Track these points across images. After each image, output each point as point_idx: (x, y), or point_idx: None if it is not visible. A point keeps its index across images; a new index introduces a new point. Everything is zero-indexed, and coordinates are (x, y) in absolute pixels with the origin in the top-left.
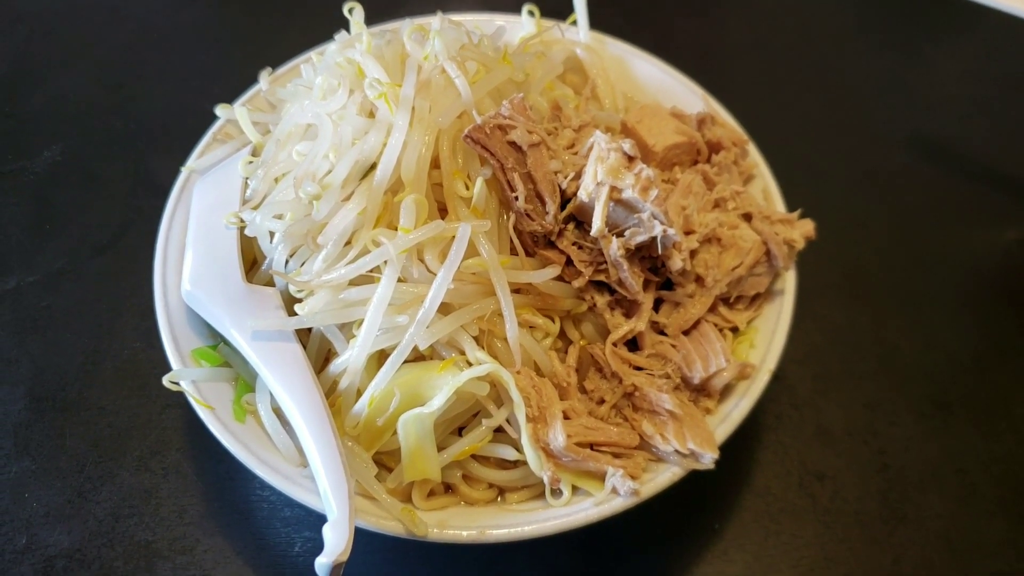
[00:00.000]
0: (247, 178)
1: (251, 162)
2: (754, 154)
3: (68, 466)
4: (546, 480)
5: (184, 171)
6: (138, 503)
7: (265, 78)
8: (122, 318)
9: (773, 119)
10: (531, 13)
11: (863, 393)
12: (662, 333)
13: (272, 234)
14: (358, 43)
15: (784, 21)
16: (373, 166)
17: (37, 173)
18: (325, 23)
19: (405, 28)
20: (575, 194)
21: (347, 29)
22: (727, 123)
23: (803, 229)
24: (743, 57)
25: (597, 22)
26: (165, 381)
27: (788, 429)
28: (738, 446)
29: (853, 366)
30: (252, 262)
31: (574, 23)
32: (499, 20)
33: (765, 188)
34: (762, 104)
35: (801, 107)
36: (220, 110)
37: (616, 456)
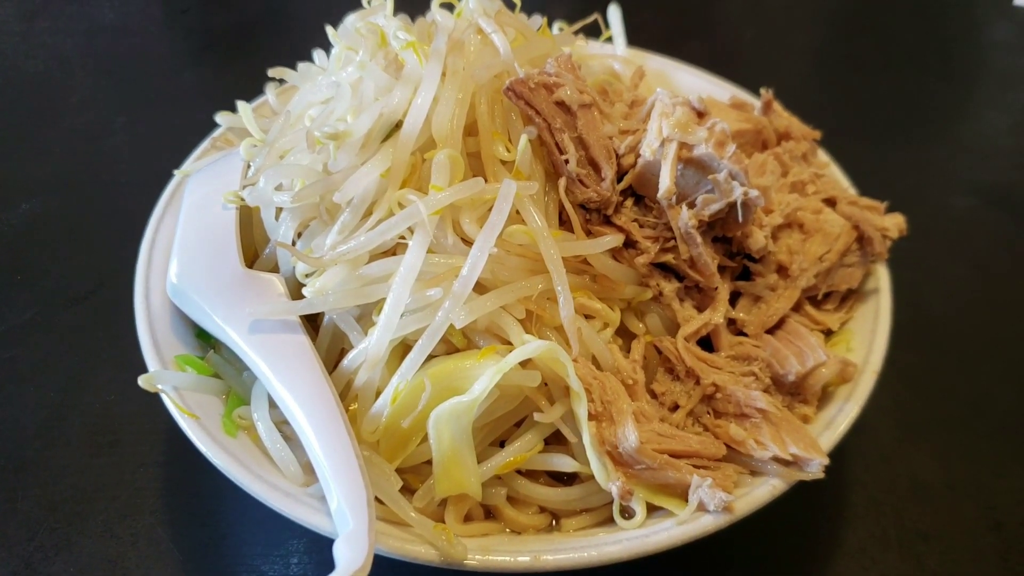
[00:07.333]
0: (249, 162)
1: (255, 145)
2: (823, 156)
3: (16, 533)
4: (615, 493)
5: (177, 175)
6: (100, 575)
7: (272, 91)
8: (95, 371)
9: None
10: (561, 30)
11: (958, 442)
12: (740, 334)
13: (278, 211)
14: (380, 9)
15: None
16: (398, 126)
17: (13, 225)
18: None
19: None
20: (632, 167)
21: None
22: (793, 118)
23: (895, 220)
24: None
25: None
26: (141, 382)
27: (879, 483)
28: (825, 500)
29: (943, 413)
30: (253, 258)
31: (608, 40)
32: None
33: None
34: None
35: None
36: (221, 117)
37: (699, 468)
